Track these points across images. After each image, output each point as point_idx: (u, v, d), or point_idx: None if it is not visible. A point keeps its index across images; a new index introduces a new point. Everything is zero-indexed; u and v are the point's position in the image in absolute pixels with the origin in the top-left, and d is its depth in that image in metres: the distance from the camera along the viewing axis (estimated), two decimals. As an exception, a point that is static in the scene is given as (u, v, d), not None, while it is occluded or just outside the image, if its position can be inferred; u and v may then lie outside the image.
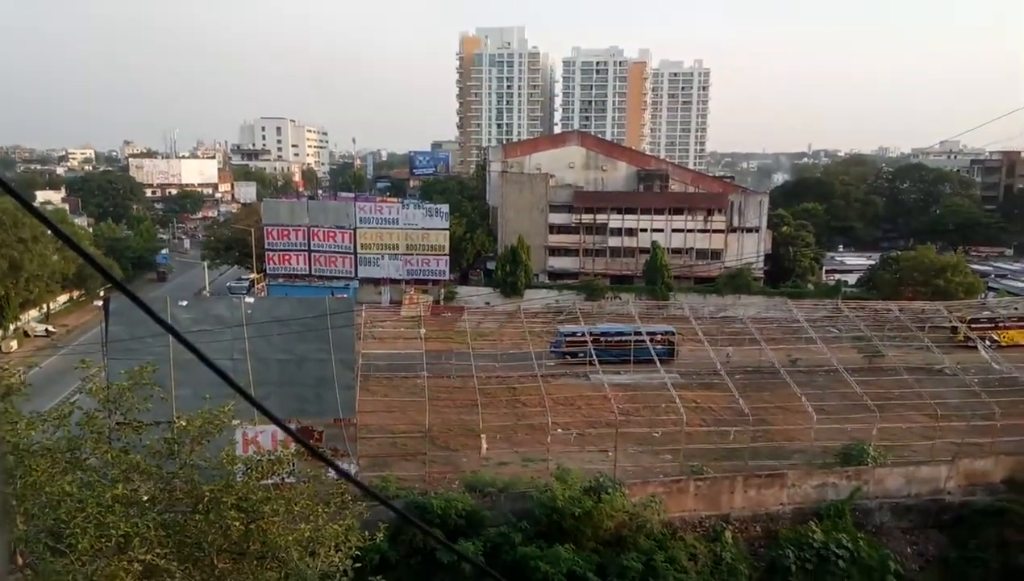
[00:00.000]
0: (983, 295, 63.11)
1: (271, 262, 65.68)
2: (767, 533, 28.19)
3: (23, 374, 18.57)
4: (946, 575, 28.35)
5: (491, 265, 70.01)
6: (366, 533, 14.88)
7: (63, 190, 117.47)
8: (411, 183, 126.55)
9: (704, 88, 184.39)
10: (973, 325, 46.64)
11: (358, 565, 14.86)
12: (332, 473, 15.15)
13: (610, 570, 24.81)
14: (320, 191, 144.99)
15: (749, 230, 69.69)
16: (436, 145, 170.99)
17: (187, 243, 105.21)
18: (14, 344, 53.42)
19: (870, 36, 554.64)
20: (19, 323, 56.89)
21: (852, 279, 72.26)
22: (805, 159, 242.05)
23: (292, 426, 27.75)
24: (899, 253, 72.27)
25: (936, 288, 58.16)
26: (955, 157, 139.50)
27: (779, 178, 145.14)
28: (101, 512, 11.93)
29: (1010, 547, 28.05)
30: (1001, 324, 50.47)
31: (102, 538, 11.73)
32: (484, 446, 30.89)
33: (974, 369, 37.97)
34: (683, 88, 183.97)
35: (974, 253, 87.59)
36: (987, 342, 44.79)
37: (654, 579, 24.63)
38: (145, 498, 13.37)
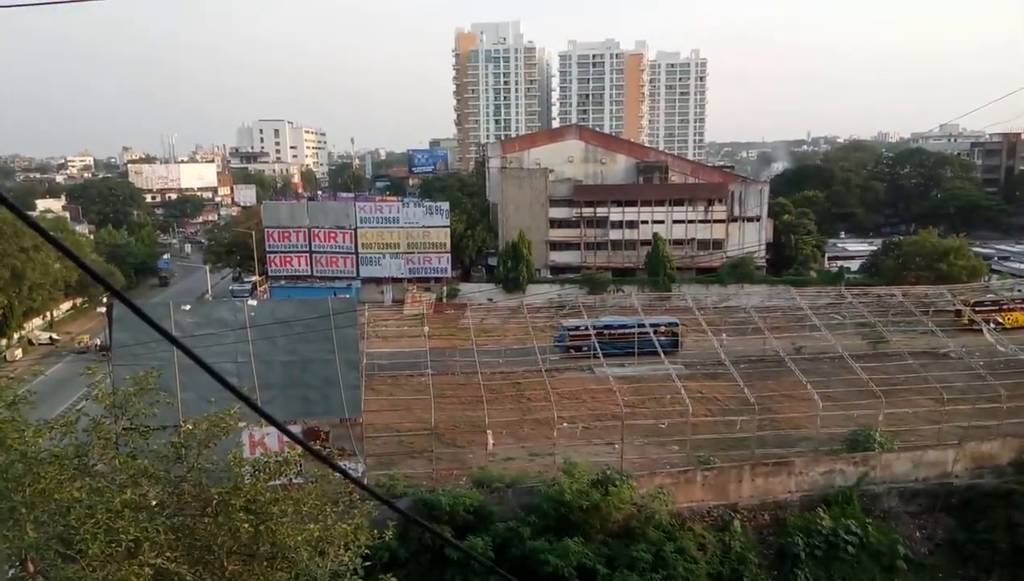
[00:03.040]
0: (986, 278, 63.01)
1: (272, 264, 65.74)
2: (776, 521, 28.24)
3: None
4: (955, 558, 28.39)
5: (493, 261, 70.01)
6: (375, 531, 14.90)
7: (63, 198, 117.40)
8: (410, 181, 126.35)
9: (701, 78, 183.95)
10: (977, 308, 46.60)
11: (368, 564, 14.90)
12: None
13: (619, 562, 24.85)
14: (320, 192, 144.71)
15: (750, 219, 69.63)
16: (434, 143, 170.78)
17: (188, 247, 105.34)
18: (19, 353, 53.60)
19: (867, 19, 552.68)
20: (23, 332, 57.06)
21: (855, 265, 72.15)
22: (804, 146, 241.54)
23: (298, 427, 27.84)
24: (901, 238, 72.17)
25: (939, 272, 58.11)
26: (955, 140, 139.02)
27: (779, 166, 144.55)
28: (110, 517, 11.97)
29: (1018, 529, 28.06)
30: (1005, 306, 50.41)
31: (112, 543, 11.77)
32: (490, 442, 30.90)
33: (979, 352, 37.99)
34: (680, 79, 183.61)
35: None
36: (992, 325, 44.77)
37: (664, 570, 24.67)
38: (154, 502, 13.42)
